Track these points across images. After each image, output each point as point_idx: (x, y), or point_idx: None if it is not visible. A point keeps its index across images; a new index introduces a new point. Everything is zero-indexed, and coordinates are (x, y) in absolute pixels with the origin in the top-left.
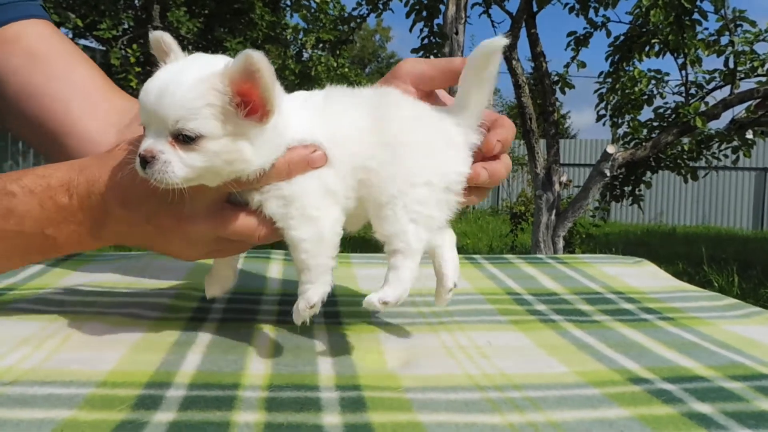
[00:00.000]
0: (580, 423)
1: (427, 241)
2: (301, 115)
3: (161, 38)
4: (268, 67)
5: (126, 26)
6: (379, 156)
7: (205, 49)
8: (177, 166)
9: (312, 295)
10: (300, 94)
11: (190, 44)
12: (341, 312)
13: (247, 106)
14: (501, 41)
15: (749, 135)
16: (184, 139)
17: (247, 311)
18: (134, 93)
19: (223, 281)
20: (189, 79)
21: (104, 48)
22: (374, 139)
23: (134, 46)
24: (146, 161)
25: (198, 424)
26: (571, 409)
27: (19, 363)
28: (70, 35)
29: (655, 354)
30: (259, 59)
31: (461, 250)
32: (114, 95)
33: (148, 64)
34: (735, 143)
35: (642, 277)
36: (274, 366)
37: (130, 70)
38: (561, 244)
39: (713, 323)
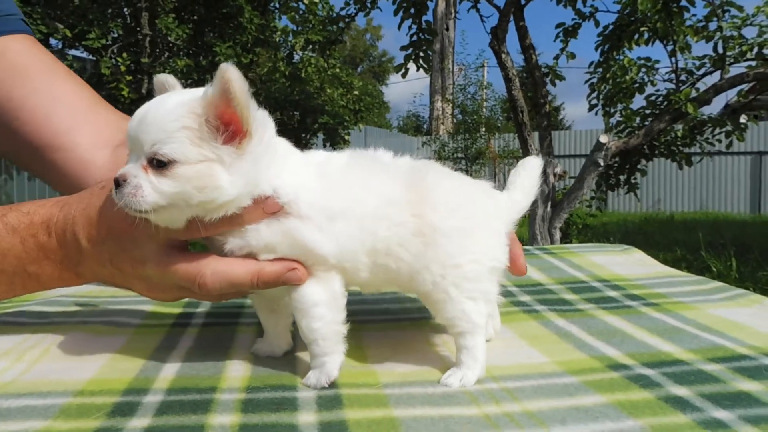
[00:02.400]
0: (556, 411)
1: (487, 313)
2: (300, 171)
3: (164, 80)
4: (238, 79)
5: (115, 35)
6: (414, 245)
7: (196, 55)
8: (147, 191)
9: (332, 369)
10: (319, 153)
11: (180, 51)
12: None
13: (227, 131)
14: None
15: (743, 119)
16: (158, 164)
17: (229, 315)
18: (125, 102)
19: (273, 348)
20: (168, 103)
21: (94, 58)
22: (408, 226)
23: (124, 54)
24: (118, 185)
25: (173, 429)
26: (548, 398)
27: None
28: (60, 46)
29: (636, 340)
30: (227, 69)
31: None
32: (101, 109)
33: (139, 73)
34: (728, 128)
35: (629, 264)
36: (253, 368)
37: (121, 79)
38: (558, 235)
39: (697, 307)
